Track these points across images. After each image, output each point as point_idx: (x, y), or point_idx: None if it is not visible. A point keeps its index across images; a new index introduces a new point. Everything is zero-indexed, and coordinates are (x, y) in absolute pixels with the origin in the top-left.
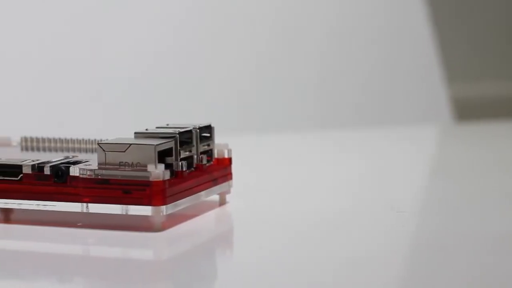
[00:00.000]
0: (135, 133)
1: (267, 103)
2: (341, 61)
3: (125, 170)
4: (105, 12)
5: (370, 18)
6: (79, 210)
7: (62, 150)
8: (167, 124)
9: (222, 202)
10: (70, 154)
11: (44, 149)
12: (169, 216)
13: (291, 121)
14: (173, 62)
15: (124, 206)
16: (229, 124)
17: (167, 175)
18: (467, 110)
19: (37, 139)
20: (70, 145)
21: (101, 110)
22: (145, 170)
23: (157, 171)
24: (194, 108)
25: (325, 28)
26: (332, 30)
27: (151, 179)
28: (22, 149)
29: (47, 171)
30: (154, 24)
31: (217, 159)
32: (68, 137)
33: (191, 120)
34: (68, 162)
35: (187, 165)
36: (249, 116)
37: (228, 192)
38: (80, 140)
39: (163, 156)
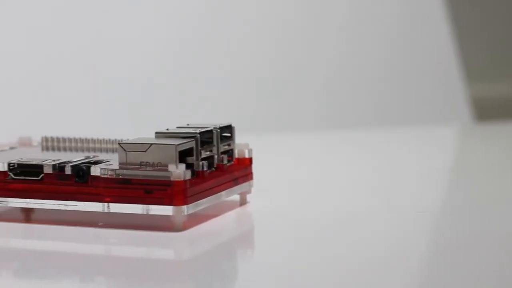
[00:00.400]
0: (156, 133)
1: (287, 103)
2: (360, 60)
3: (146, 170)
4: (126, 12)
5: (389, 17)
6: (100, 210)
7: (82, 150)
8: (188, 124)
9: (242, 202)
10: (91, 154)
11: (64, 149)
12: (190, 216)
13: (310, 120)
14: (194, 62)
15: (145, 206)
16: (250, 123)
17: (188, 175)
18: (487, 110)
19: (58, 139)
20: (91, 145)
21: (121, 110)
22: (166, 170)
23: (178, 171)
24: (214, 108)
25: (343, 27)
26: (350, 29)
27: (172, 179)
28: (42, 149)
29: (68, 171)
30: (173, 24)
31: (238, 159)
32: (89, 137)
33: (212, 120)
34: (89, 162)
35: (208, 165)
36: (268, 115)
37: (249, 192)
38: (100, 140)
39: (184, 156)
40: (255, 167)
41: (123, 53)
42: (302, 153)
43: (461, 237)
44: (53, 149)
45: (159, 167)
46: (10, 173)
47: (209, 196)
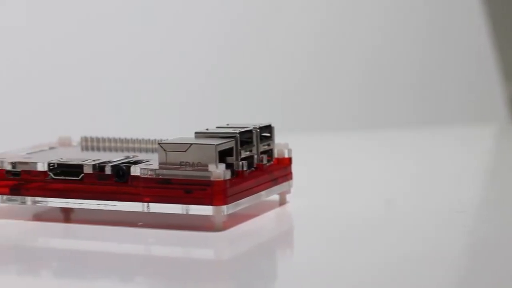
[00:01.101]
0: (196, 133)
1: (325, 103)
2: (396, 60)
3: (186, 170)
4: (174, 11)
5: (425, 15)
6: (139, 209)
7: (122, 150)
8: (227, 124)
9: (282, 202)
10: (131, 154)
11: (104, 149)
12: (230, 215)
13: (349, 120)
14: (233, 62)
15: (185, 205)
16: (289, 123)
17: (228, 175)
18: None
19: (97, 139)
20: (130, 145)
21: (160, 110)
22: (206, 170)
23: (218, 171)
24: (254, 108)
25: (380, 26)
26: (385, 28)
27: (212, 178)
28: (82, 149)
29: (108, 170)
30: (211, 24)
31: (277, 159)
32: (128, 137)
33: (251, 120)
34: (129, 162)
35: (248, 165)
36: (307, 115)
37: (288, 191)
38: (140, 140)
39: (223, 156)
40: (294, 167)
41: (164, 53)
42: (341, 152)
43: (498, 237)
44: (92, 149)
45: (199, 167)
46: (50, 173)
47: (249, 196)
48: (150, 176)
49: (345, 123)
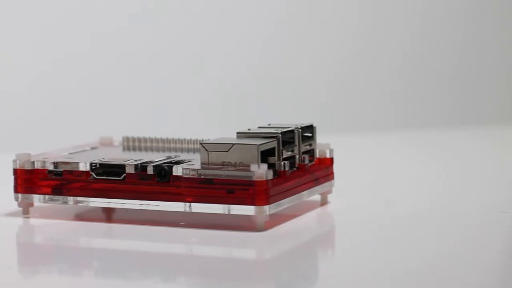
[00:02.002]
0: (238, 133)
1: (367, 103)
2: (434, 60)
3: (228, 170)
4: (219, 10)
5: (465, 16)
6: (181, 209)
7: (164, 150)
8: (269, 124)
9: (323, 202)
10: (172, 154)
11: (145, 149)
12: (271, 215)
13: (389, 120)
14: (275, 62)
15: (227, 205)
16: (330, 123)
17: (270, 175)
18: None
19: (139, 139)
20: (172, 145)
21: (202, 110)
22: (248, 170)
23: (260, 171)
24: (296, 108)
25: (418, 26)
26: (424, 28)
27: (254, 178)
28: (123, 149)
29: (150, 170)
30: (255, 24)
31: (319, 159)
32: (170, 137)
33: (293, 120)
34: (171, 162)
35: (290, 165)
36: (348, 115)
37: (330, 191)
38: (181, 140)
39: (265, 156)
40: (335, 167)
41: (207, 53)
42: (381, 152)
43: None
44: (134, 149)
45: (241, 167)
46: (92, 173)
47: (291, 196)
48: (192, 176)
49: (386, 123)
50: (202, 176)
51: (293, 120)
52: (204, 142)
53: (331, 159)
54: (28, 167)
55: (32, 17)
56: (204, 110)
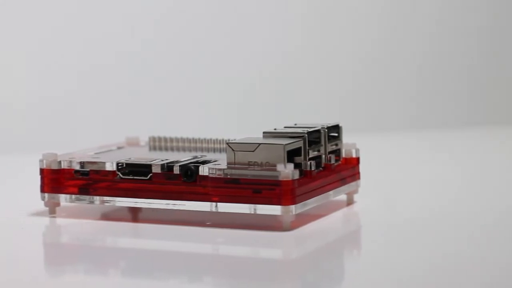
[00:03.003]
0: (264, 132)
1: (393, 103)
2: (455, 62)
3: (254, 170)
4: (244, 10)
5: (487, 17)
6: (208, 209)
7: (190, 149)
8: (296, 124)
9: (349, 202)
10: (198, 154)
11: (172, 149)
12: (297, 215)
13: (415, 120)
14: (300, 62)
15: (253, 205)
16: (357, 123)
17: (296, 174)
18: None
19: (165, 139)
20: (198, 145)
21: (228, 110)
22: (275, 170)
23: (287, 171)
24: (321, 108)
25: (441, 27)
26: (447, 29)
27: (280, 178)
28: (150, 149)
29: (176, 170)
30: (277, 25)
31: (345, 159)
32: (196, 136)
33: (319, 120)
34: (197, 162)
35: (316, 164)
36: (374, 115)
37: (356, 191)
38: (208, 140)
39: (291, 155)
40: (361, 167)
41: (232, 54)
42: (408, 152)
43: None
44: (160, 149)
45: (267, 167)
46: (119, 173)
47: (317, 196)
48: (219, 176)
49: (411, 123)
50: (228, 176)
51: (319, 120)
52: (231, 142)
53: (357, 159)
54: (54, 167)
55: (67, 16)
56: (230, 110)
